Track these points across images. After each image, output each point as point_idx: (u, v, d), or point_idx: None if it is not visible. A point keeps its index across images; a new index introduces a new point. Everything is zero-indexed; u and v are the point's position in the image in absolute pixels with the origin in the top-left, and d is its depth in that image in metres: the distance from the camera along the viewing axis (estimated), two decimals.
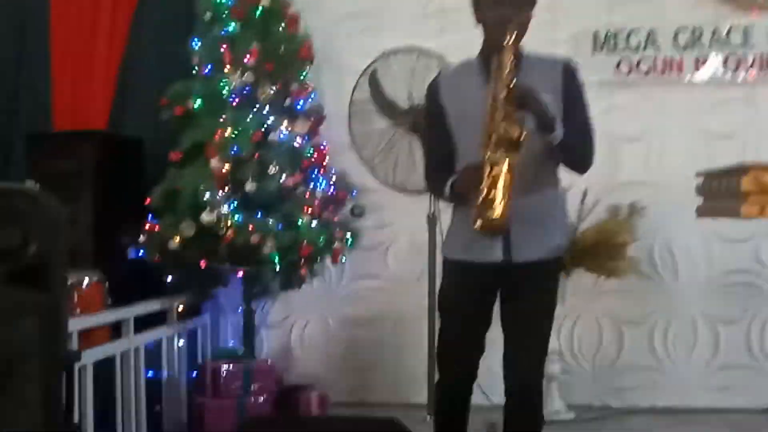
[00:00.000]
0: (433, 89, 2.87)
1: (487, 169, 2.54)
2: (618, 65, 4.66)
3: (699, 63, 4.63)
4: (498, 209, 2.55)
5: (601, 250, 4.21)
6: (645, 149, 4.67)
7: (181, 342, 4.31)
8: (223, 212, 4.01)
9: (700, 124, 4.64)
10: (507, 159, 2.52)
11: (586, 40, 4.68)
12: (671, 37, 4.63)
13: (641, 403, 4.62)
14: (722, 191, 2.27)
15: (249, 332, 4.49)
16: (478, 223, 2.57)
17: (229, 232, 4.00)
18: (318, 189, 4.34)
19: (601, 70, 4.65)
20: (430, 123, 2.93)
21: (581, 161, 2.79)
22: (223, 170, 4.08)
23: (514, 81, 2.53)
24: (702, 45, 4.63)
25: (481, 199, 2.55)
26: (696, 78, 4.63)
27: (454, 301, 2.83)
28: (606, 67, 4.67)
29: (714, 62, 4.61)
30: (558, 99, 2.69)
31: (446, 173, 2.76)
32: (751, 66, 4.58)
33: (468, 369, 2.83)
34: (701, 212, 2.49)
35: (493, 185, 2.54)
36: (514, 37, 2.56)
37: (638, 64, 4.65)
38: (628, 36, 4.66)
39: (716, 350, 4.62)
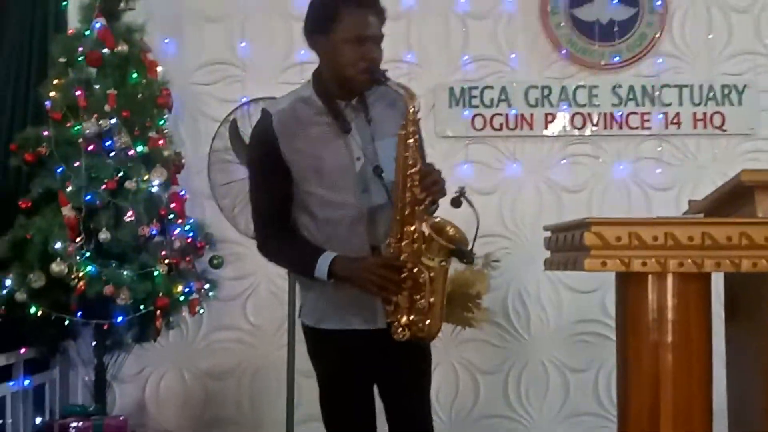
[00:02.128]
0: (266, 129, 2.49)
1: (410, 270, 2.35)
2: (473, 120, 4.82)
3: (548, 119, 4.84)
4: (432, 317, 2.38)
5: (457, 301, 4.29)
6: (498, 202, 4.81)
7: (28, 399, 4.11)
8: (74, 262, 3.88)
9: (550, 178, 4.83)
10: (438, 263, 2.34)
11: (443, 94, 4.81)
12: (523, 94, 4.83)
13: None
14: (567, 245, 2.37)
15: (100, 387, 4.33)
16: (403, 333, 2.38)
17: (81, 283, 3.88)
18: (175, 238, 4.27)
19: (456, 124, 4.80)
20: (267, 176, 2.54)
21: None
22: (76, 219, 3.96)
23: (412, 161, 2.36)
24: (551, 102, 4.85)
25: (406, 304, 2.37)
26: (546, 133, 4.84)
27: (344, 380, 2.55)
28: (461, 122, 4.82)
29: (562, 119, 4.84)
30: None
31: (292, 236, 2.51)
32: (596, 123, 4.82)
33: None
34: (548, 265, 2.59)
35: (417, 288, 2.36)
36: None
37: (492, 119, 4.82)
38: (483, 92, 4.83)
39: (566, 398, 4.75)
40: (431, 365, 2.68)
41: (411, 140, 2.39)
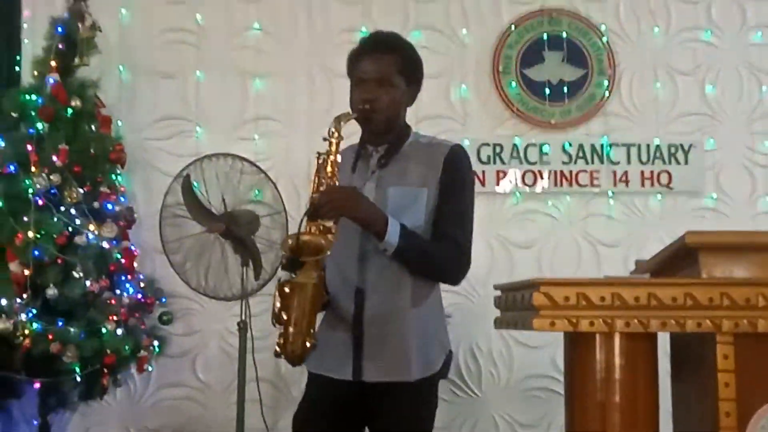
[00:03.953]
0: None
1: (282, 289, 2.40)
2: None
3: (500, 176, 4.90)
4: (289, 338, 2.39)
5: None
6: None
7: None
8: (20, 320, 3.80)
9: (501, 234, 4.88)
10: (300, 278, 2.37)
11: None
12: (475, 151, 4.89)
13: None
14: (517, 305, 2.38)
15: None
16: (277, 350, 2.42)
17: (26, 340, 3.79)
18: (125, 295, 4.21)
19: None
20: None
21: (439, 271, 2.61)
22: (23, 275, 3.89)
23: (331, 182, 2.42)
24: (503, 159, 4.91)
25: (275, 320, 2.41)
26: (497, 190, 4.89)
27: (308, 418, 2.61)
28: None
29: (513, 176, 4.90)
30: (432, 189, 2.56)
31: None
32: (546, 180, 4.89)
33: None
34: (499, 324, 2.60)
35: (286, 308, 2.39)
36: (343, 122, 2.49)
37: None
38: None
39: None
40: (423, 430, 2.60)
41: (322, 161, 2.47)
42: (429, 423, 2.61)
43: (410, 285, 2.56)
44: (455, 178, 2.60)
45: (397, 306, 2.54)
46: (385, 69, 2.58)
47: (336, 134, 2.49)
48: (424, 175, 2.56)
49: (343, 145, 2.57)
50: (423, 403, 2.59)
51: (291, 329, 2.39)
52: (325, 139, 2.49)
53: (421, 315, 2.58)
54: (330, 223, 2.42)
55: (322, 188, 2.44)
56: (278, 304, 2.39)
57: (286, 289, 2.39)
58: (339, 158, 2.49)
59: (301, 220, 2.43)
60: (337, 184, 2.48)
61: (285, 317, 2.39)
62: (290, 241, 2.39)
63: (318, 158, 2.50)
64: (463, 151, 2.68)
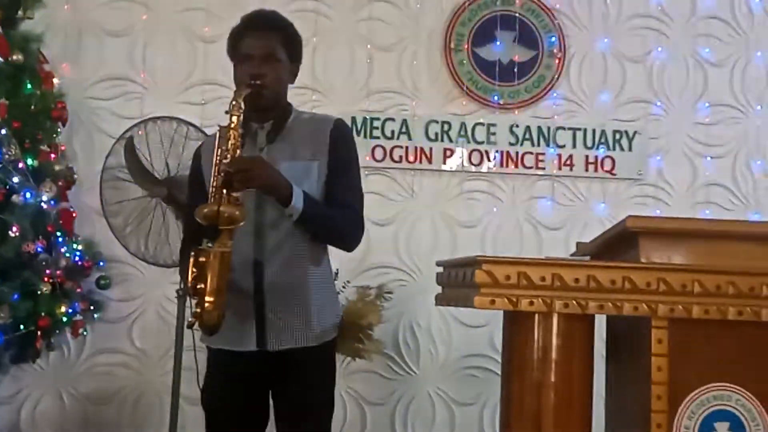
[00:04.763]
0: (197, 150, 2.78)
1: (197, 258, 2.40)
2: (373, 151, 4.85)
3: (447, 154, 4.92)
4: (206, 307, 2.40)
5: (349, 332, 4.28)
6: (394, 234, 4.85)
7: None
8: None
9: (446, 212, 4.89)
10: (216, 247, 2.39)
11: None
12: (423, 128, 4.89)
13: None
14: (459, 282, 2.39)
15: None
16: (190, 319, 2.43)
17: None
18: (62, 257, 4.13)
19: None
20: (189, 190, 2.80)
21: (339, 236, 2.71)
22: None
23: (235, 154, 2.45)
24: (450, 137, 4.93)
25: (190, 290, 2.42)
26: (444, 168, 4.90)
27: (218, 395, 2.68)
28: (361, 152, 4.81)
29: (460, 154, 4.92)
30: (323, 162, 2.64)
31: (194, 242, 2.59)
32: (493, 160, 4.92)
33: None
34: (439, 300, 2.61)
35: (201, 277, 2.40)
36: (243, 96, 2.51)
37: (392, 151, 4.87)
38: (384, 124, 4.87)
39: (452, 431, 4.78)
40: (326, 392, 2.72)
41: (223, 134, 2.49)
42: (332, 386, 2.74)
43: (306, 254, 2.64)
44: (344, 151, 2.71)
45: (295, 274, 2.62)
46: (272, 45, 2.65)
47: (237, 107, 2.51)
48: (313, 149, 2.65)
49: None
50: (326, 366, 2.73)
51: (207, 299, 2.40)
52: (227, 113, 2.51)
53: (318, 283, 2.67)
54: (238, 194, 2.46)
55: (225, 160, 2.45)
56: (193, 273, 2.41)
57: (201, 259, 2.40)
58: (240, 130, 2.52)
59: (212, 191, 2.46)
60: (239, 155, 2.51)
61: (201, 287, 2.40)
62: (206, 210, 2.41)
63: (219, 131, 2.52)
64: (345, 124, 2.80)
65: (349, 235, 2.73)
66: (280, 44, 2.67)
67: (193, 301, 2.44)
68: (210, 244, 2.40)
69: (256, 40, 2.65)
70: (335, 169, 2.66)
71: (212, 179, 2.47)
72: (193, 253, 2.41)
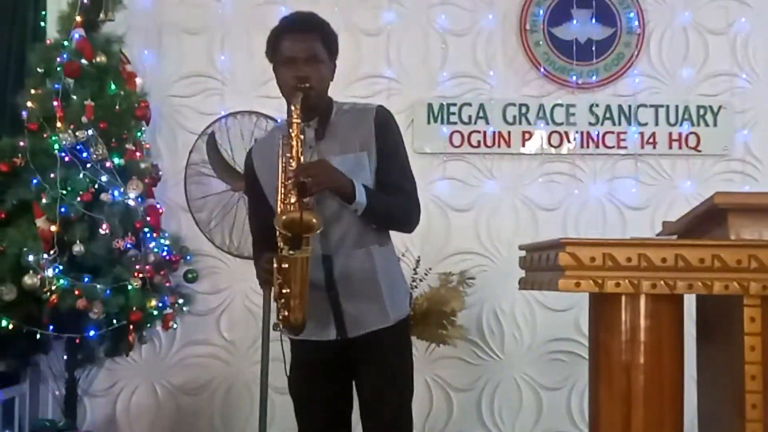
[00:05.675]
0: (248, 157, 2.82)
1: (280, 265, 2.47)
2: (450, 137, 4.83)
3: (526, 137, 4.86)
4: (292, 309, 2.51)
5: (433, 318, 4.29)
6: (475, 219, 4.82)
7: None
8: (47, 275, 3.84)
9: (526, 196, 4.85)
10: (297, 253, 2.43)
11: (422, 110, 4.82)
12: (501, 111, 4.85)
13: None
14: (542, 265, 2.37)
15: (71, 402, 4.28)
16: (275, 321, 2.53)
17: (54, 296, 3.83)
18: (150, 252, 4.23)
19: (434, 140, 4.81)
20: (248, 193, 2.87)
21: (400, 221, 2.76)
22: (50, 231, 3.91)
23: (300, 160, 2.49)
24: (528, 120, 4.87)
25: (275, 296, 2.51)
26: (523, 151, 4.85)
27: (304, 384, 2.77)
28: (439, 138, 4.83)
29: (539, 137, 4.86)
30: (371, 151, 2.67)
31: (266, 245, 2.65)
32: (573, 142, 4.85)
33: None
34: (523, 285, 2.59)
35: (285, 283, 2.49)
36: (300, 103, 2.53)
37: (470, 136, 4.84)
38: (461, 109, 4.85)
39: (539, 416, 4.75)
40: (406, 368, 2.77)
41: (286, 142, 2.53)
42: (411, 362, 2.80)
43: (370, 239, 2.69)
44: (390, 137, 2.72)
45: (362, 261, 2.67)
46: (313, 46, 2.67)
47: (296, 114, 2.55)
48: (361, 140, 2.68)
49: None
50: (403, 343, 2.79)
51: (293, 302, 2.50)
52: (290, 123, 2.55)
53: (384, 264, 2.73)
54: (308, 198, 2.51)
55: (290, 168, 2.50)
56: (278, 280, 2.49)
57: (284, 265, 2.47)
58: (302, 137, 2.56)
59: (280, 197, 2.52)
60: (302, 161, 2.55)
61: (286, 291, 2.49)
62: (284, 218, 2.45)
63: (281, 139, 2.56)
64: (387, 110, 2.78)
65: (409, 219, 2.77)
66: (320, 44, 2.69)
67: (278, 304, 2.53)
68: (291, 252, 2.44)
69: (297, 42, 2.67)
70: (385, 155, 2.70)
71: (280, 186, 2.53)
72: (276, 261, 2.48)
